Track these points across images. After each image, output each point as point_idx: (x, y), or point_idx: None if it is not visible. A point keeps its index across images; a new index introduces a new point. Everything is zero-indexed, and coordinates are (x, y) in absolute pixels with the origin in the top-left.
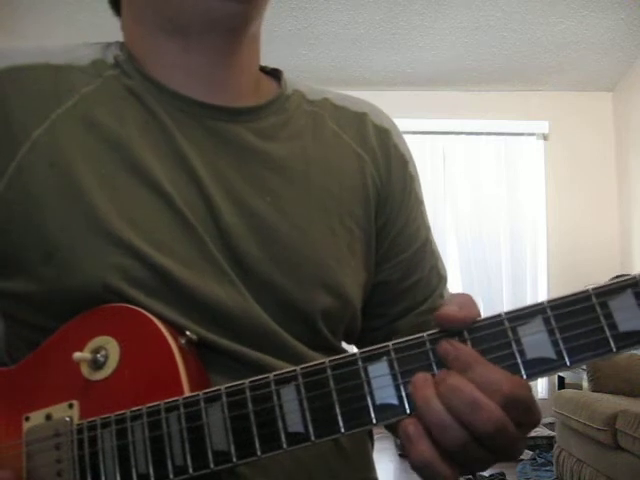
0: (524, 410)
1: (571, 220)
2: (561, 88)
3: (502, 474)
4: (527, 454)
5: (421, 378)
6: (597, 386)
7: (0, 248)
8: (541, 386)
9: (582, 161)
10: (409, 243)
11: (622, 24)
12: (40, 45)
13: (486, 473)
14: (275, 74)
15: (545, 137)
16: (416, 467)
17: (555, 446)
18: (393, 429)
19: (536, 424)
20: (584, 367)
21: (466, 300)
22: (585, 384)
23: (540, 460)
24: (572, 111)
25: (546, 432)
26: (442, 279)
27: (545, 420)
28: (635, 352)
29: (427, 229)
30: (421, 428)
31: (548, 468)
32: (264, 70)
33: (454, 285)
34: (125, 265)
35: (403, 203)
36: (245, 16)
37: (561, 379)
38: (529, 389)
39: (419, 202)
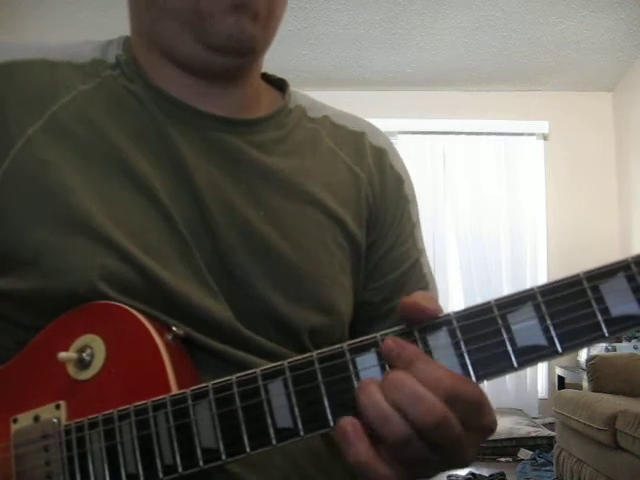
0: (471, 409)
1: (571, 220)
2: (561, 88)
3: (502, 474)
4: (527, 454)
5: (367, 378)
6: (597, 386)
7: None
8: (541, 386)
9: (582, 161)
10: (396, 265)
11: (622, 24)
12: (38, 41)
13: (486, 473)
14: (280, 84)
15: (545, 137)
16: (355, 469)
17: (555, 446)
18: None
19: (488, 428)
20: (584, 367)
21: (428, 295)
22: (585, 384)
23: (540, 460)
24: (572, 111)
25: (546, 432)
26: None
27: (545, 420)
28: (635, 352)
29: (419, 252)
30: (360, 427)
31: (548, 468)
32: (270, 79)
33: (454, 285)
34: (112, 267)
35: (394, 223)
36: (244, 65)
37: (561, 379)
38: (476, 388)
39: (412, 224)
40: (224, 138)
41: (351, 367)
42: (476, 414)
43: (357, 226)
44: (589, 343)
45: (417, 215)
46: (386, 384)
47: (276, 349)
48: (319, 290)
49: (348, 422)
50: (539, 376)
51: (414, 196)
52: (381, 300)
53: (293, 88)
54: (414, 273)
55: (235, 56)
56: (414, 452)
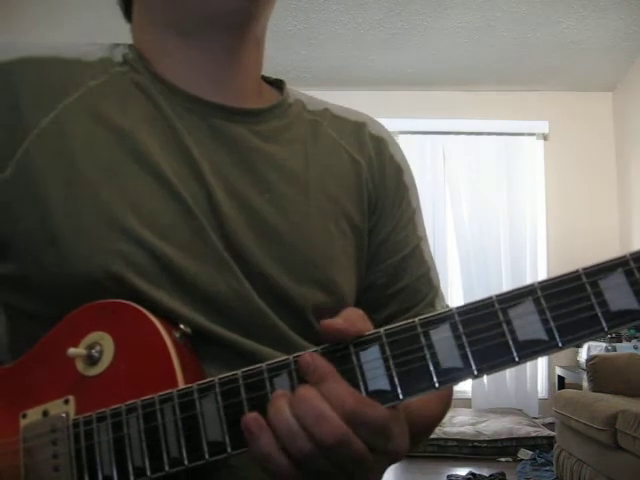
0: (375, 432)
1: (571, 220)
2: (561, 88)
3: (502, 474)
4: (527, 454)
5: (279, 391)
6: (597, 386)
7: (3, 231)
8: (541, 386)
9: (582, 161)
10: (396, 250)
11: (622, 24)
12: (50, 41)
13: (486, 473)
14: (278, 84)
15: (545, 137)
16: (258, 462)
17: (555, 446)
18: None
19: (394, 452)
20: (584, 367)
21: (354, 314)
22: (585, 384)
23: (540, 460)
24: (572, 111)
25: (546, 432)
26: (433, 288)
27: (545, 420)
28: (635, 352)
29: (419, 238)
30: (262, 422)
31: (548, 468)
32: (267, 79)
33: (455, 285)
34: (127, 252)
35: (393, 210)
36: (250, 14)
37: (561, 379)
38: (382, 412)
39: (411, 210)
40: (228, 126)
41: (355, 360)
42: (381, 438)
43: (358, 211)
44: (589, 337)
45: (417, 202)
46: (294, 399)
47: (287, 333)
48: (320, 269)
49: (251, 417)
50: (539, 376)
51: (414, 184)
52: (384, 284)
53: (291, 87)
54: (415, 258)
55: None
56: (318, 467)
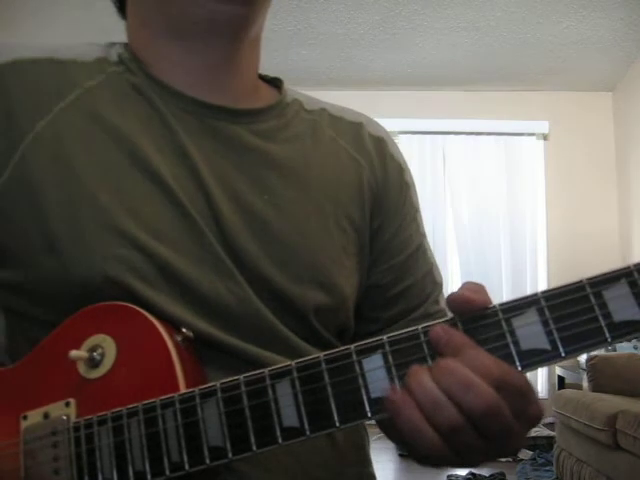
0: (519, 397)
1: (571, 220)
2: (561, 88)
3: (502, 474)
4: (527, 454)
5: (416, 366)
6: (597, 386)
7: (1, 237)
8: (541, 386)
9: (582, 161)
10: (402, 248)
11: (622, 24)
12: (44, 42)
13: (486, 473)
14: (275, 83)
15: (545, 137)
16: (405, 434)
17: (555, 446)
18: (386, 430)
19: (537, 417)
20: (584, 367)
21: (479, 287)
22: (585, 384)
23: (540, 460)
24: (572, 111)
25: (546, 432)
26: (437, 286)
27: (545, 420)
28: (635, 352)
29: (422, 236)
30: (408, 397)
31: (548, 468)
32: (265, 78)
33: (454, 285)
34: (126, 255)
35: (397, 208)
36: (246, 19)
37: (561, 379)
38: (523, 377)
39: (414, 209)
40: (226, 127)
41: (357, 368)
42: (523, 402)
43: (359, 210)
44: (592, 348)
45: (417, 201)
46: (437, 371)
47: (287, 335)
48: (321, 270)
49: (396, 393)
50: (539, 376)
51: (414, 183)
52: (390, 282)
53: (289, 86)
54: (419, 256)
55: (238, 3)
56: (464, 439)
